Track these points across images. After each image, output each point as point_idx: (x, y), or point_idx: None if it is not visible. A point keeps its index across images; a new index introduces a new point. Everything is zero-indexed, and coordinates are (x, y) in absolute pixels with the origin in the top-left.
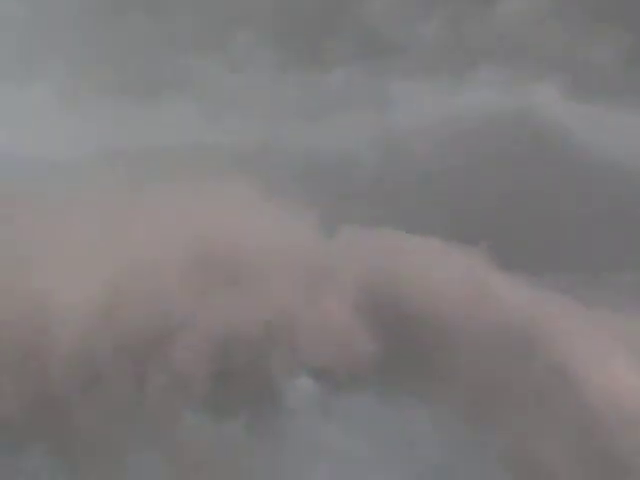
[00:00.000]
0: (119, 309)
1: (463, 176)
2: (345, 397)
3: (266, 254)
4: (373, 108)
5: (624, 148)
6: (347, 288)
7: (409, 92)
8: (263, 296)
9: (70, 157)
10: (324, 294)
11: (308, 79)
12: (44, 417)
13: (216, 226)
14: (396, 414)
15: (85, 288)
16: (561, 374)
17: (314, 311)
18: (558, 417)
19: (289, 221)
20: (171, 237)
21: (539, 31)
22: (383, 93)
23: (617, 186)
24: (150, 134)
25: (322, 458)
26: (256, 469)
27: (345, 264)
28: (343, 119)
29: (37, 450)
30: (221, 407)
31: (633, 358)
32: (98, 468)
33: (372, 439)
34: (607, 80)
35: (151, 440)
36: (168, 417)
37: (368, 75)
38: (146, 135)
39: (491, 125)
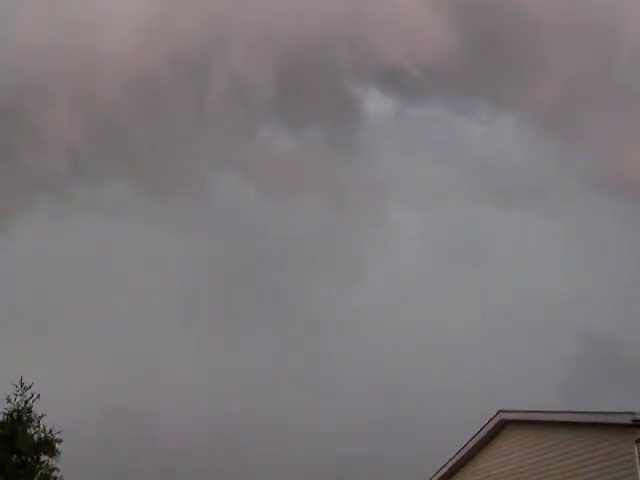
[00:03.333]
0: (171, 18)
1: None
2: (421, 107)
3: None
4: None
5: None
6: None
7: None
8: None
9: None
10: None
11: None
12: (112, 145)
13: None
14: (477, 127)
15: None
16: None
17: (383, 2)
18: None
19: None
20: None
21: None
22: None
23: None
24: None
25: (400, 185)
26: (336, 177)
27: None
28: None
29: (114, 181)
30: (293, 117)
31: None
32: (179, 195)
33: (447, 159)
34: None
35: (225, 159)
36: (234, 130)
37: None
38: None
39: None
